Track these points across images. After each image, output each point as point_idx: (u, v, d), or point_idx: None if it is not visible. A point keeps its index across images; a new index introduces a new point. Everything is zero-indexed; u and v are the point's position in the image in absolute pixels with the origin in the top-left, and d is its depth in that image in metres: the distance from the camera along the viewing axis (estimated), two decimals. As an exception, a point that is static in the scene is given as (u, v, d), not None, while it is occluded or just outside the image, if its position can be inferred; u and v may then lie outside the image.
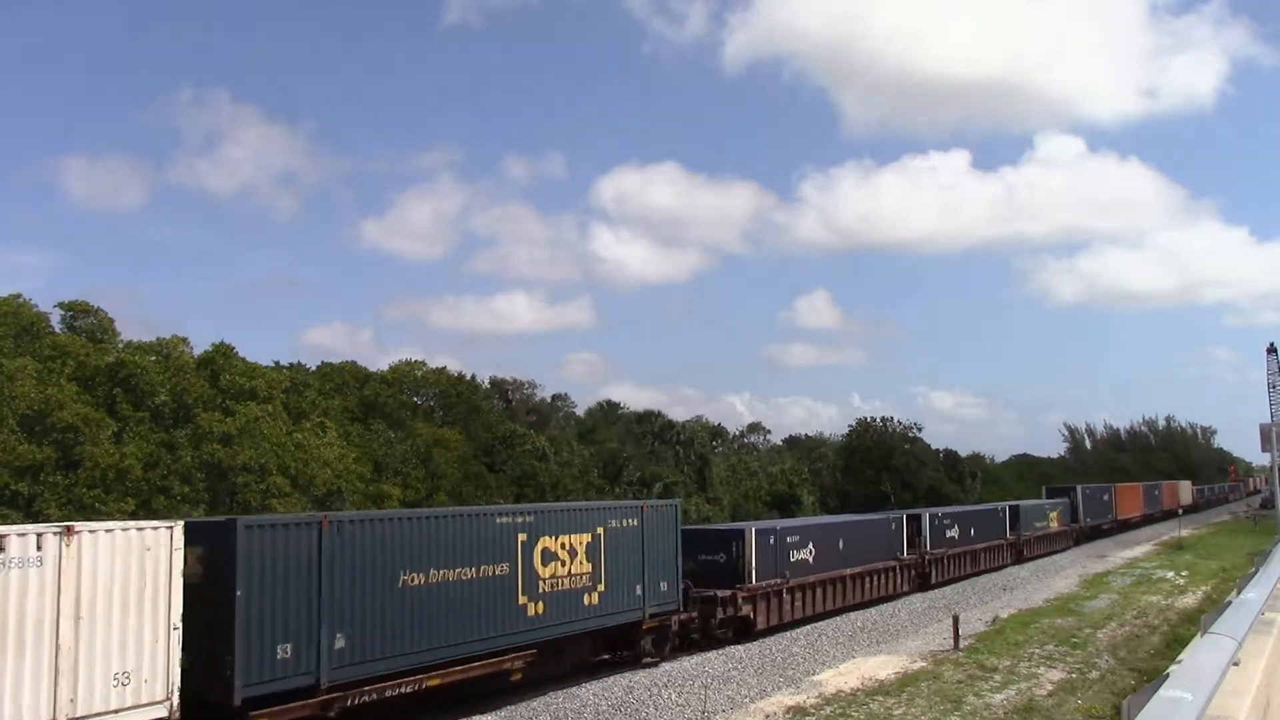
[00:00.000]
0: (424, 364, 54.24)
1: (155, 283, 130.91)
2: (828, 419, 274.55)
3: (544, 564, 19.76)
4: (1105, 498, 67.01)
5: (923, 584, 38.03)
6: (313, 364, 52.01)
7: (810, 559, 30.63)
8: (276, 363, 45.87)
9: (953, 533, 40.82)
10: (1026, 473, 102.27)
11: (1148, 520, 77.16)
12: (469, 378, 58.56)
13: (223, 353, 38.89)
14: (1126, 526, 70.84)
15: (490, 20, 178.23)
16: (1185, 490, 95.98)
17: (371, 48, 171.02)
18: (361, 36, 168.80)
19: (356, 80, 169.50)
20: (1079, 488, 61.75)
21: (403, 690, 16.91)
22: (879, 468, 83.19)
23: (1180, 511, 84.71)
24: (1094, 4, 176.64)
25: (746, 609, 27.18)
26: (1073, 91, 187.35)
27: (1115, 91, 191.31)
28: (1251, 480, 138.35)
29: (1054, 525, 54.16)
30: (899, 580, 36.07)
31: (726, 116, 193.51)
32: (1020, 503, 52.31)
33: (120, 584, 12.83)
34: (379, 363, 72.82)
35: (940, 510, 42.61)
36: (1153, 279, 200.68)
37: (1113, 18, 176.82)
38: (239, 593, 14.24)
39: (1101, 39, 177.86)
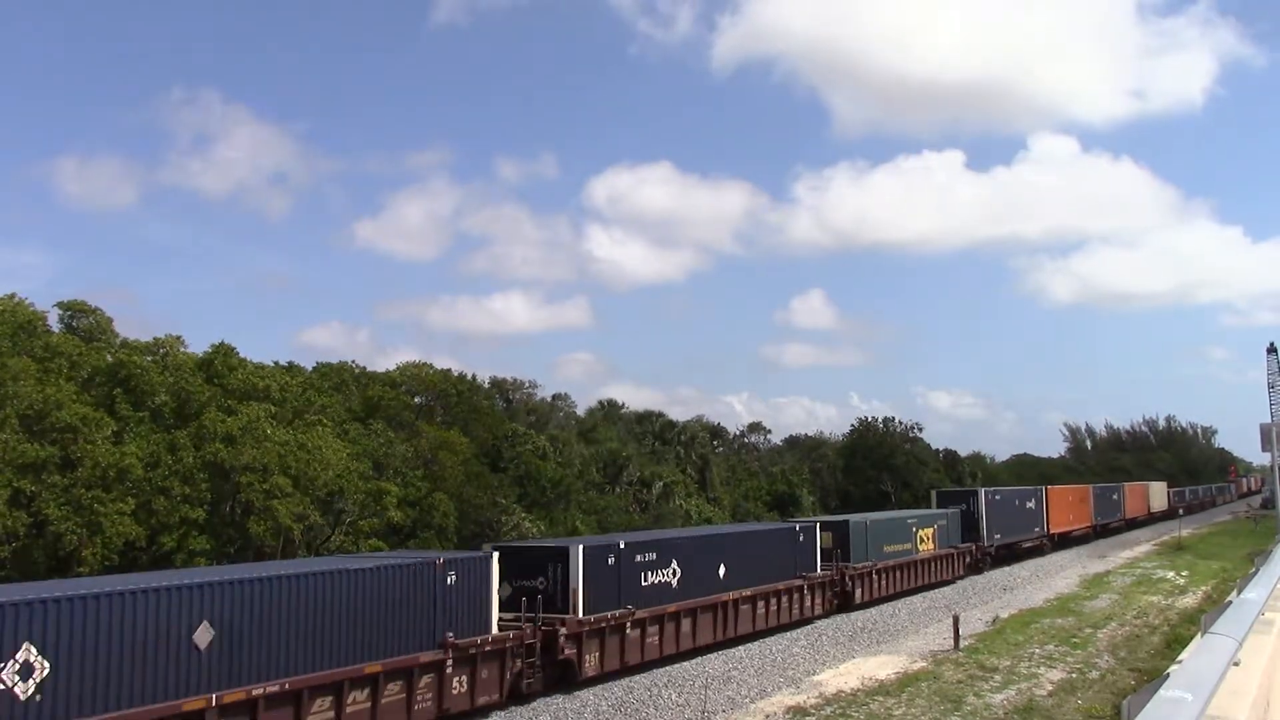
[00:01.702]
0: (430, 365, 54.32)
1: (151, 282, 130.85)
2: (826, 419, 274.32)
3: None
4: (1029, 505, 50.72)
5: (562, 678, 21.51)
6: (309, 364, 52.02)
7: (218, 649, 14.65)
8: (275, 362, 45.93)
9: (662, 576, 24.29)
10: (1026, 473, 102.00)
11: (1102, 532, 62.47)
12: (470, 378, 58.64)
13: (223, 352, 38.91)
14: (1066, 542, 55.27)
15: (478, 20, 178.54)
16: (1157, 493, 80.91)
17: (361, 47, 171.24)
18: (351, 36, 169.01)
19: (347, 80, 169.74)
20: (982, 492, 46.25)
21: None
22: (880, 468, 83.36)
23: (1181, 513, 79.09)
24: (1083, 5, 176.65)
25: None
26: (1063, 92, 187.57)
27: (1105, 92, 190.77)
28: (1244, 481, 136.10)
29: (925, 549, 38.46)
30: (486, 683, 19.34)
31: (718, 117, 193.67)
32: (853, 517, 36.60)
33: None
34: (377, 362, 73.06)
35: (624, 539, 24.89)
36: (1148, 279, 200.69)
37: (1101, 19, 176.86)
38: None
39: (1090, 40, 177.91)
